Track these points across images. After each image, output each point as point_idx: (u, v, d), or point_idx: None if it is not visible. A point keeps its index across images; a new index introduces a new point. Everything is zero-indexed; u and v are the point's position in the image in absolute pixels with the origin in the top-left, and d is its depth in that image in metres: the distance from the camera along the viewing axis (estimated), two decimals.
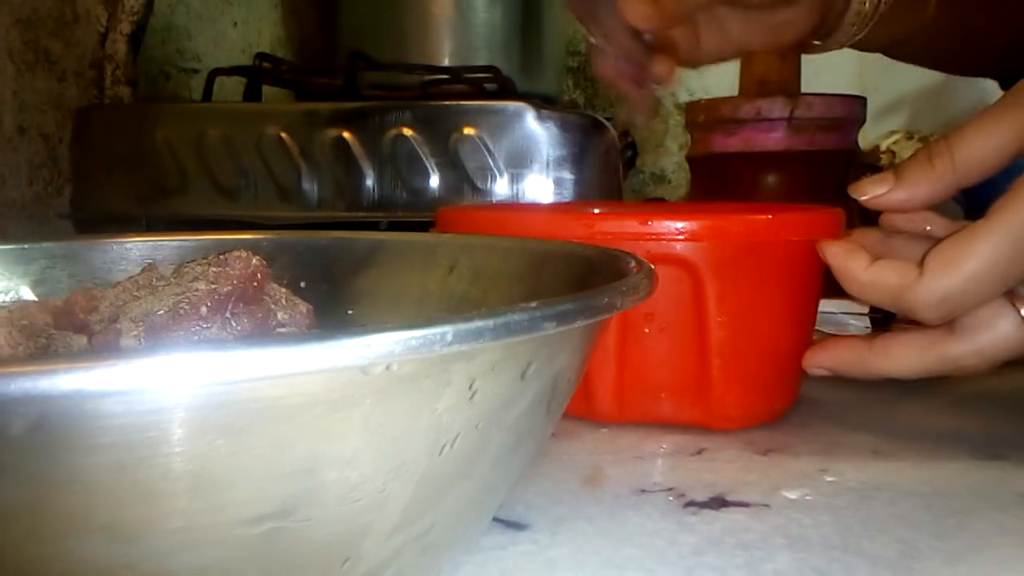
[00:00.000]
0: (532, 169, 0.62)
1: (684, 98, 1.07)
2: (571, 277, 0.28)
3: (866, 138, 0.90)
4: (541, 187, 0.62)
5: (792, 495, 0.30)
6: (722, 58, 0.49)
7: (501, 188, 0.62)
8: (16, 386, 0.13)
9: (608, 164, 0.64)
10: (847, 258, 0.35)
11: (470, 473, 0.19)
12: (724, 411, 0.36)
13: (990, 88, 0.60)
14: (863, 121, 0.69)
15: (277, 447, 0.15)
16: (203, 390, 0.14)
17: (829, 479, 0.31)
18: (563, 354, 0.20)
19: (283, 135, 0.64)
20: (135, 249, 0.34)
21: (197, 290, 0.24)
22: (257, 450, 0.15)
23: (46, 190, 0.72)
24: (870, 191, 0.35)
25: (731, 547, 0.26)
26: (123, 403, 0.14)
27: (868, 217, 0.37)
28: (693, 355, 0.36)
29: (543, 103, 0.64)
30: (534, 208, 0.54)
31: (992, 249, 0.31)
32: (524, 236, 0.34)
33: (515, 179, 0.62)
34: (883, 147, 0.97)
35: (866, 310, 0.53)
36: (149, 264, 0.29)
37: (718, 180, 0.69)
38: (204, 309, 0.23)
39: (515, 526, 0.27)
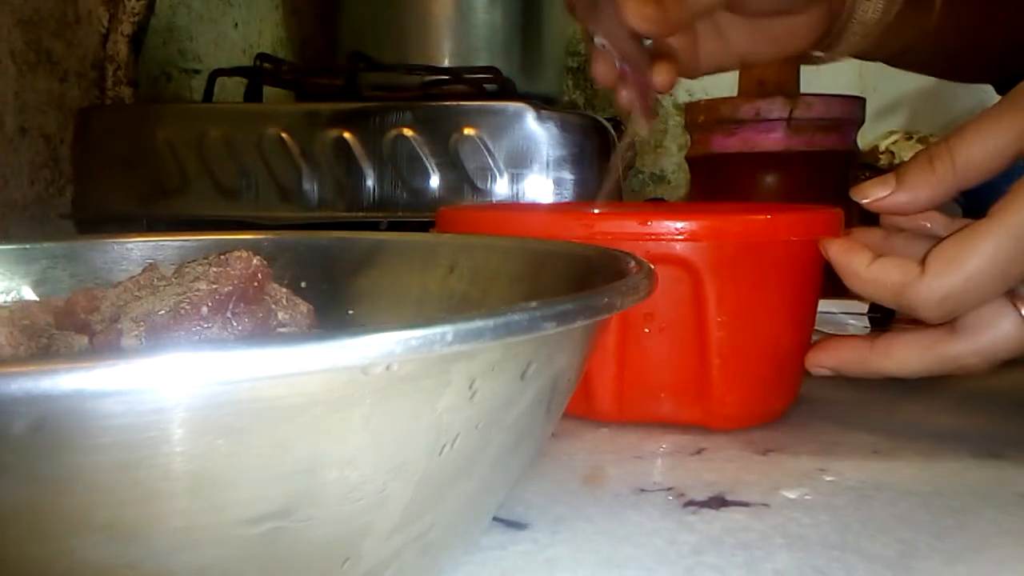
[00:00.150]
0: (532, 169, 0.62)
1: (684, 99, 1.07)
2: (571, 277, 0.28)
3: (865, 138, 0.90)
4: (541, 187, 0.62)
5: (791, 495, 0.30)
6: (721, 68, 0.49)
7: (501, 188, 0.62)
8: (17, 386, 0.13)
9: (608, 164, 0.64)
10: (849, 255, 0.35)
11: (470, 473, 0.19)
12: (724, 411, 0.36)
13: (989, 89, 0.60)
14: (862, 121, 0.69)
15: (277, 447, 0.15)
16: (203, 390, 0.14)
17: (828, 479, 0.31)
18: (563, 354, 0.20)
19: (284, 135, 0.64)
20: (136, 249, 0.34)
21: (198, 290, 0.24)
22: (257, 450, 0.15)
23: (47, 190, 0.72)
24: (872, 194, 0.35)
25: (731, 546, 0.26)
26: (124, 403, 0.14)
27: (868, 217, 0.37)
28: (693, 355, 0.36)
29: (543, 104, 0.64)
30: (534, 208, 0.54)
31: (994, 248, 0.31)
32: (524, 236, 0.34)
33: (515, 179, 0.62)
34: (882, 147, 0.97)
35: (865, 310, 0.53)
36: (150, 264, 0.29)
37: (718, 180, 0.69)
38: (205, 309, 0.24)
39: (515, 526, 0.27)
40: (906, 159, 0.41)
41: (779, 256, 0.36)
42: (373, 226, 0.63)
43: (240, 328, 0.24)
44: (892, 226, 0.37)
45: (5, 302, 0.31)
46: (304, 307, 0.28)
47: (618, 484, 0.31)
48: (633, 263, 0.25)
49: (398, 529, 0.18)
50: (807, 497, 0.29)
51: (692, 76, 0.48)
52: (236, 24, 0.99)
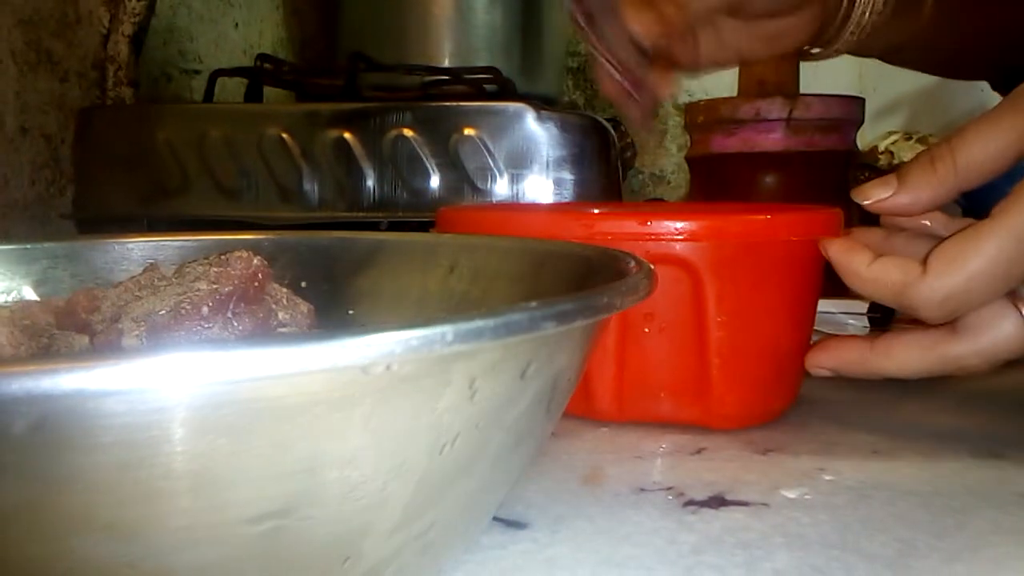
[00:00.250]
0: (532, 170, 0.62)
1: (683, 99, 1.07)
2: (571, 277, 0.28)
3: (865, 139, 0.90)
4: (541, 187, 0.62)
5: (791, 494, 0.30)
6: (720, 66, 0.50)
7: (501, 188, 0.62)
8: (18, 385, 0.13)
9: (608, 164, 0.64)
10: (850, 255, 0.35)
11: (470, 472, 0.19)
12: (723, 411, 0.36)
13: (988, 89, 0.60)
14: (861, 122, 0.69)
15: (278, 446, 0.15)
16: (204, 389, 0.14)
17: (828, 478, 0.31)
18: (563, 354, 0.20)
19: (284, 136, 0.64)
20: (137, 249, 0.34)
21: (199, 290, 0.24)
22: (258, 449, 0.15)
23: (48, 190, 0.72)
24: (873, 195, 0.35)
25: (730, 546, 0.26)
26: (125, 402, 0.14)
27: (868, 217, 0.37)
28: (692, 355, 0.36)
29: (543, 104, 0.64)
30: (534, 208, 0.54)
31: (996, 249, 0.31)
32: (524, 236, 0.35)
33: (515, 179, 0.62)
34: (882, 147, 0.97)
35: (865, 310, 0.53)
36: (151, 264, 0.29)
37: (717, 180, 0.70)
38: (206, 309, 0.24)
39: (515, 525, 0.27)
40: (906, 159, 0.42)
41: (779, 256, 0.36)
42: (373, 226, 0.63)
43: (241, 328, 0.24)
44: (892, 226, 0.37)
45: (6, 302, 0.31)
46: (304, 307, 0.28)
47: (618, 484, 0.31)
48: (633, 263, 0.25)
49: (398, 528, 0.18)
50: (807, 497, 0.30)
51: (692, 74, 0.49)
52: (236, 24, 0.99)
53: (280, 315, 0.26)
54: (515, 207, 0.56)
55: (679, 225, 0.35)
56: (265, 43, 1.03)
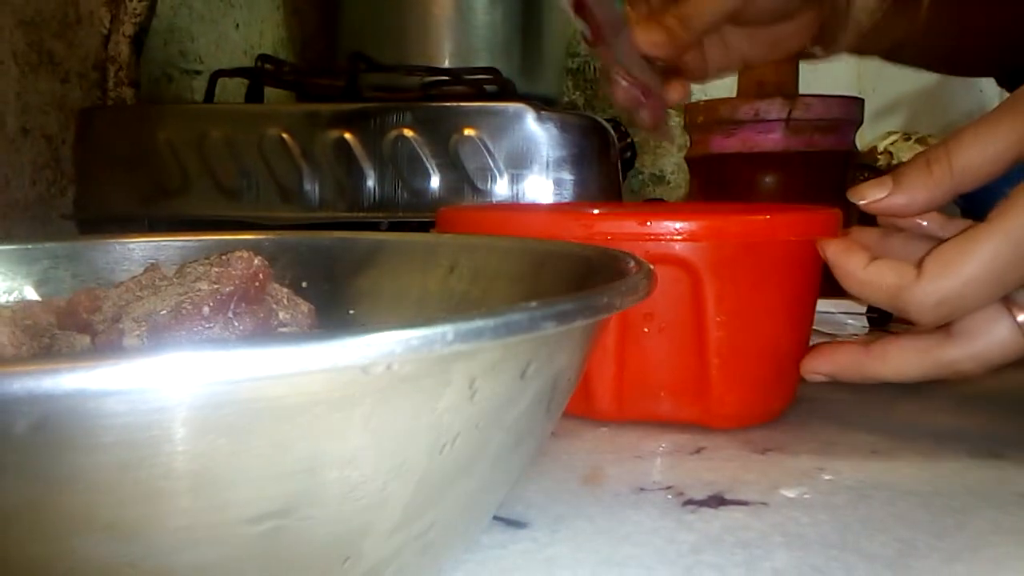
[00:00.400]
0: (532, 170, 0.62)
1: None
2: (571, 277, 0.28)
3: (864, 139, 0.90)
4: (541, 188, 0.62)
5: (790, 494, 0.30)
6: (726, 72, 0.52)
7: (501, 189, 0.62)
8: (19, 385, 0.13)
9: (608, 165, 0.64)
10: (846, 256, 0.35)
11: (470, 472, 0.19)
12: (723, 410, 0.36)
13: (987, 89, 0.60)
14: (860, 122, 0.69)
15: (278, 446, 0.16)
16: (205, 389, 0.14)
17: (827, 478, 0.31)
18: (563, 354, 0.20)
19: (285, 136, 0.64)
20: (138, 249, 0.34)
21: (199, 290, 0.24)
22: (258, 449, 0.15)
23: (49, 191, 0.72)
24: (869, 195, 0.35)
25: (730, 545, 0.26)
26: (126, 402, 0.14)
27: (866, 218, 0.37)
28: (692, 355, 0.36)
29: (543, 104, 0.64)
30: (534, 208, 0.54)
31: (991, 254, 0.31)
32: (524, 236, 0.35)
33: (515, 180, 0.62)
34: (881, 148, 0.97)
35: (864, 309, 0.53)
36: (152, 264, 0.29)
37: (717, 181, 0.70)
38: (206, 309, 0.24)
39: (515, 524, 0.27)
40: (905, 160, 0.42)
41: (778, 256, 0.36)
42: (374, 226, 0.63)
43: (241, 328, 0.24)
44: (890, 226, 0.37)
45: (7, 302, 0.31)
46: (305, 307, 0.28)
47: (618, 483, 0.31)
48: (633, 263, 0.25)
49: (398, 528, 0.18)
50: (806, 496, 0.30)
51: (700, 82, 0.52)
52: (237, 25, 0.99)
53: (281, 315, 0.27)
54: (515, 207, 0.56)
55: (679, 225, 0.35)
56: (266, 43, 1.03)
